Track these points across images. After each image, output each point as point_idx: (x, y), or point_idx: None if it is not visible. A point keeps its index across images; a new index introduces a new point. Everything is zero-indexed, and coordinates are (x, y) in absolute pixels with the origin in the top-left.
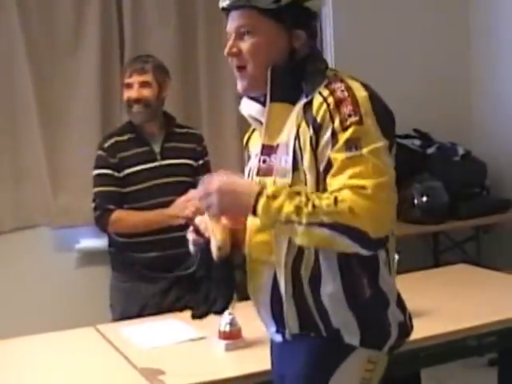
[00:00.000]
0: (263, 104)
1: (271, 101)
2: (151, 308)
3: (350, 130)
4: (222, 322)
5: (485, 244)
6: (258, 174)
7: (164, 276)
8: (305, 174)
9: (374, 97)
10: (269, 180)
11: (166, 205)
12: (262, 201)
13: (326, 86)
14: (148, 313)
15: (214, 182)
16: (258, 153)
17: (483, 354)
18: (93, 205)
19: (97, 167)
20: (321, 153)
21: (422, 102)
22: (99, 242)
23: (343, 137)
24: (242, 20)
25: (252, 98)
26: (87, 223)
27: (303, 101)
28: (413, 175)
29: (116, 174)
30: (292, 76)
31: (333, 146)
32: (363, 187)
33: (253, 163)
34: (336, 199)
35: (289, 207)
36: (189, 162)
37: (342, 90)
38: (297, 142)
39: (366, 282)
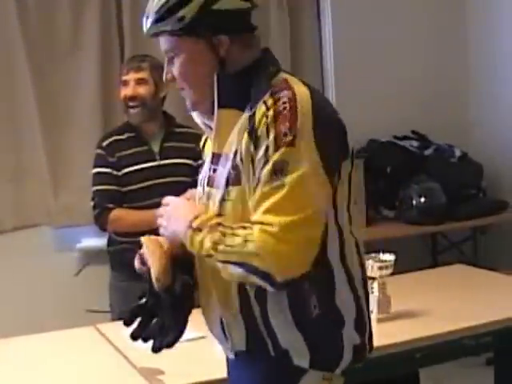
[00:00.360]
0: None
1: (219, 107)
2: None
3: (280, 152)
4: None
5: (481, 244)
6: (208, 184)
7: None
8: (249, 190)
9: (318, 109)
10: (211, 201)
11: None
12: (188, 233)
13: (272, 94)
14: None
15: (167, 205)
16: (208, 161)
17: (480, 353)
18: (92, 203)
19: (96, 166)
20: (255, 168)
21: (420, 104)
22: (100, 242)
23: (272, 158)
24: (164, 45)
25: None
26: (88, 222)
27: (249, 110)
28: (411, 176)
29: (115, 172)
30: (238, 82)
31: (263, 165)
32: (274, 226)
33: (204, 171)
34: (246, 239)
35: (208, 242)
36: (188, 161)
37: (285, 102)
38: (238, 154)
39: (314, 301)
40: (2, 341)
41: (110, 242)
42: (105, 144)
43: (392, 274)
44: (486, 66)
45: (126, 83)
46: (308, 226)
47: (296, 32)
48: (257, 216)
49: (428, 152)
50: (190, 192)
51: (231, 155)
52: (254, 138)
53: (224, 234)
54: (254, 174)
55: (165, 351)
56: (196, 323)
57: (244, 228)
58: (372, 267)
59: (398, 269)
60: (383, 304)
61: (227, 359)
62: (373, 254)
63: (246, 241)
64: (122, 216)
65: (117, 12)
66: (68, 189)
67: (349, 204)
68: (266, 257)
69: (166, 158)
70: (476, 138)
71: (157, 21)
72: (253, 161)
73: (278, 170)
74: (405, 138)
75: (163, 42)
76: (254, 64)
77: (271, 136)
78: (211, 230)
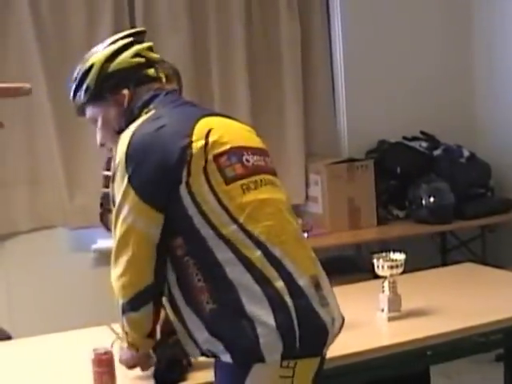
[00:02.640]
0: None
1: None
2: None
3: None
4: None
5: (490, 243)
6: None
7: None
8: None
9: (132, 142)
10: None
11: None
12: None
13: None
14: None
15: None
16: None
17: (490, 350)
18: (99, 203)
19: (105, 169)
20: None
21: (429, 105)
22: None
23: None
24: (87, 116)
25: None
26: None
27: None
28: (420, 176)
29: None
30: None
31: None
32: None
33: None
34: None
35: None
36: None
37: (117, 141)
38: None
39: (207, 297)
40: (19, 341)
41: None
42: None
43: (402, 272)
44: (493, 68)
45: None
46: (122, 248)
47: (306, 34)
48: None
49: (437, 152)
50: None
51: None
52: None
53: None
54: None
55: None
56: None
57: None
58: (383, 266)
59: (408, 267)
60: (394, 302)
61: None
62: (383, 253)
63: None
64: None
65: (129, 19)
66: (83, 190)
67: (220, 200)
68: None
69: None
70: (484, 139)
71: (73, 97)
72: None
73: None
74: (414, 138)
75: (85, 115)
76: (130, 114)
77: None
78: None
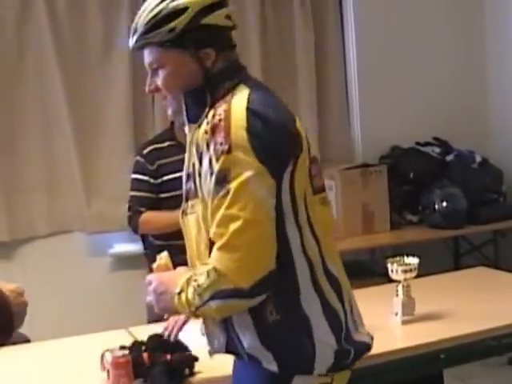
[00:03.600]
0: None
1: (188, 122)
2: None
3: (220, 161)
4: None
5: (502, 247)
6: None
7: None
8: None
9: (255, 114)
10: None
11: None
12: (176, 300)
13: (213, 108)
14: None
15: (150, 283)
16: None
17: (502, 353)
18: (127, 206)
19: (134, 172)
20: (203, 184)
21: (442, 111)
22: (133, 247)
23: (216, 168)
24: (149, 57)
25: None
26: (121, 228)
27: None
28: (433, 181)
29: (152, 180)
30: (201, 96)
31: (210, 178)
32: (224, 236)
33: None
34: (207, 271)
35: (190, 296)
36: None
37: (220, 114)
38: (195, 169)
39: (270, 307)
40: (37, 344)
41: (146, 246)
42: (145, 152)
43: (416, 276)
44: (505, 74)
45: None
46: (256, 227)
47: (320, 42)
48: (213, 229)
49: (449, 158)
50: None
51: (190, 169)
52: (197, 153)
53: (195, 280)
54: (201, 188)
55: (196, 352)
56: None
57: (206, 264)
58: (397, 270)
59: (422, 272)
60: (408, 306)
61: None
62: (397, 258)
63: (207, 272)
64: (150, 219)
65: None
66: (100, 196)
67: (306, 203)
68: (227, 272)
69: None
70: (496, 145)
71: (146, 32)
72: (199, 175)
73: (221, 179)
74: (427, 144)
75: (148, 54)
76: (218, 75)
77: (211, 149)
78: (188, 284)
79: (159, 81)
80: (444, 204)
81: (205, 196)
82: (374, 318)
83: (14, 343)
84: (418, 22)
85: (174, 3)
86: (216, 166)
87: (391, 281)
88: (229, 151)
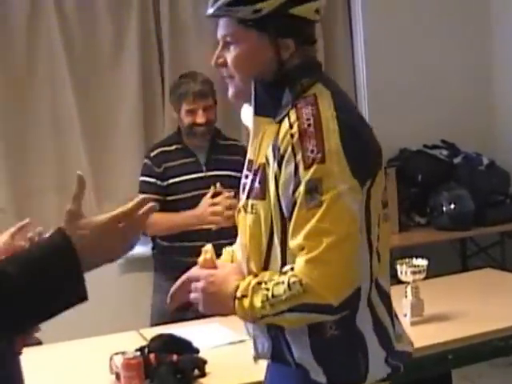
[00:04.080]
0: None
1: (255, 114)
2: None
3: (312, 170)
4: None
5: (509, 249)
6: (243, 191)
7: None
8: (272, 206)
9: (346, 125)
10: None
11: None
12: (236, 304)
13: (296, 108)
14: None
15: (200, 280)
16: (245, 167)
17: (509, 354)
18: None
19: (142, 174)
20: (282, 191)
21: (449, 114)
22: (142, 249)
23: (305, 177)
24: (225, 30)
25: None
26: None
27: (275, 120)
28: (441, 184)
29: (159, 182)
30: (276, 89)
31: (295, 187)
32: (316, 249)
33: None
34: (289, 282)
35: (257, 303)
36: (233, 173)
37: (309, 119)
38: (265, 169)
39: (332, 322)
40: (47, 346)
41: (154, 246)
42: (152, 155)
43: (424, 278)
44: (511, 76)
45: (193, 111)
46: (349, 243)
47: (329, 46)
48: (298, 241)
49: (457, 160)
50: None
51: (257, 166)
52: (277, 155)
53: (267, 289)
54: (278, 196)
55: (205, 354)
56: (236, 327)
57: (284, 273)
58: (405, 272)
59: (429, 273)
60: (416, 307)
61: None
62: (406, 260)
63: (289, 284)
64: (157, 221)
65: (155, 26)
66: (110, 198)
67: (379, 219)
68: (317, 287)
69: (212, 170)
70: (503, 147)
71: (230, 4)
72: (276, 179)
73: (313, 189)
74: (434, 147)
75: (224, 26)
76: (295, 70)
77: (298, 156)
78: (255, 291)
79: (229, 57)
80: (452, 206)
81: (273, 199)
82: None
83: (26, 345)
84: (426, 26)
85: None
86: (306, 175)
87: (400, 282)
88: (322, 161)
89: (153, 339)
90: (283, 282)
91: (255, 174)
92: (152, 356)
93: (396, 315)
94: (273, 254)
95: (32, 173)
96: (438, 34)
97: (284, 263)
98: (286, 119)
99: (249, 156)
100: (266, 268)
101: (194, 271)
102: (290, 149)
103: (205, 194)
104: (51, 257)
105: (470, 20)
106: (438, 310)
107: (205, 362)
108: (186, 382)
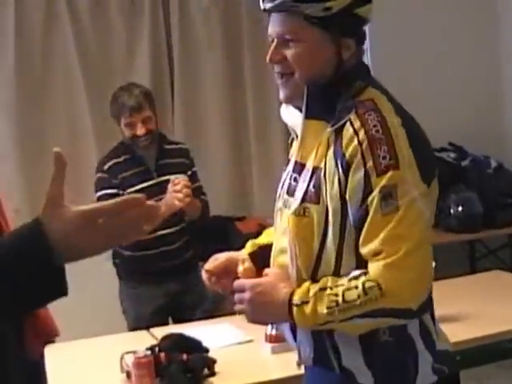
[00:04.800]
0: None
1: (306, 117)
2: (163, 308)
3: (386, 176)
4: (268, 325)
5: None
6: (287, 192)
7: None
8: (327, 211)
9: (410, 130)
10: (287, 209)
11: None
12: (295, 311)
13: (357, 113)
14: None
15: (246, 291)
16: (290, 168)
17: None
18: None
19: (101, 189)
20: (350, 196)
21: (457, 117)
22: None
23: (379, 184)
24: (287, 26)
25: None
26: None
27: (332, 124)
28: (449, 186)
29: (121, 192)
30: (331, 92)
31: (366, 193)
32: (395, 255)
33: (285, 176)
34: (364, 287)
35: (322, 310)
36: (180, 176)
37: (375, 125)
38: (321, 172)
39: (385, 328)
40: (59, 345)
41: (115, 255)
42: (106, 168)
43: (433, 280)
44: None
45: (132, 124)
46: (424, 247)
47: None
48: (373, 246)
49: (465, 163)
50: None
51: (310, 170)
52: (341, 161)
53: (336, 294)
54: (342, 203)
55: (214, 354)
56: (245, 326)
57: (355, 278)
58: None
59: (438, 275)
60: None
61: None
62: None
63: (365, 289)
64: None
65: (166, 37)
66: None
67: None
68: (396, 292)
69: (162, 175)
70: (511, 150)
71: (299, 0)
72: (340, 185)
73: (387, 195)
74: (442, 149)
75: (284, 22)
76: (351, 72)
77: (369, 162)
78: (318, 297)
79: (290, 54)
80: (460, 208)
81: (333, 204)
82: None
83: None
84: (432, 27)
85: None
86: (380, 181)
87: None
88: (396, 167)
89: (163, 338)
90: (357, 287)
91: (310, 178)
92: (162, 355)
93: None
94: (324, 258)
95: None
96: (445, 37)
97: (338, 268)
98: (349, 125)
99: (295, 157)
100: (315, 271)
101: (238, 282)
102: (359, 155)
103: (158, 201)
104: (19, 246)
105: (479, 22)
106: (446, 312)
107: (214, 362)
108: (196, 381)
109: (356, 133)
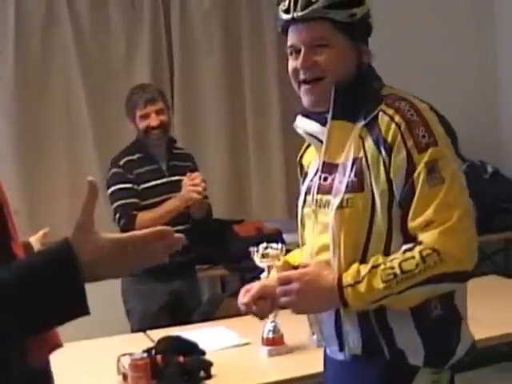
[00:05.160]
0: (320, 121)
1: (333, 118)
2: (169, 304)
3: (428, 153)
4: (265, 328)
5: None
6: (318, 192)
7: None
8: (373, 197)
9: (440, 116)
10: (323, 208)
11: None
12: (348, 292)
13: (387, 104)
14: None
15: (293, 282)
16: (316, 170)
17: None
18: (116, 217)
19: (115, 183)
20: (395, 176)
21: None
22: None
23: (421, 160)
24: (319, 32)
25: (307, 116)
26: None
27: (363, 120)
28: None
29: (136, 187)
30: (355, 93)
31: (410, 170)
32: (450, 220)
33: (312, 180)
34: (422, 255)
35: (378, 285)
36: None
37: (409, 110)
38: (363, 162)
39: (436, 301)
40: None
41: None
42: (121, 163)
43: None
44: None
45: (146, 116)
46: (471, 213)
47: None
48: (425, 217)
49: (461, 168)
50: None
51: (349, 163)
52: (383, 146)
53: (392, 267)
54: (389, 183)
55: (211, 357)
56: (241, 329)
57: (409, 250)
58: None
59: None
60: None
61: (325, 359)
62: None
63: (423, 257)
64: (146, 216)
65: (166, 40)
66: None
67: None
68: (456, 254)
69: (173, 175)
70: (507, 155)
71: (329, 7)
72: (385, 167)
73: (431, 170)
74: None
75: (316, 28)
76: (363, 78)
77: (410, 142)
78: (372, 274)
79: (323, 59)
80: None
81: (381, 187)
82: None
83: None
84: (430, 31)
85: None
86: (423, 158)
87: None
88: (436, 144)
89: (160, 341)
90: (413, 257)
91: (351, 170)
92: (159, 357)
93: None
94: (372, 242)
95: (45, 176)
96: (442, 39)
97: (387, 249)
98: (382, 114)
99: (323, 159)
100: (364, 258)
101: (284, 274)
102: (399, 137)
103: (169, 198)
104: (50, 266)
105: (474, 26)
106: None
107: (211, 364)
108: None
109: (392, 118)
